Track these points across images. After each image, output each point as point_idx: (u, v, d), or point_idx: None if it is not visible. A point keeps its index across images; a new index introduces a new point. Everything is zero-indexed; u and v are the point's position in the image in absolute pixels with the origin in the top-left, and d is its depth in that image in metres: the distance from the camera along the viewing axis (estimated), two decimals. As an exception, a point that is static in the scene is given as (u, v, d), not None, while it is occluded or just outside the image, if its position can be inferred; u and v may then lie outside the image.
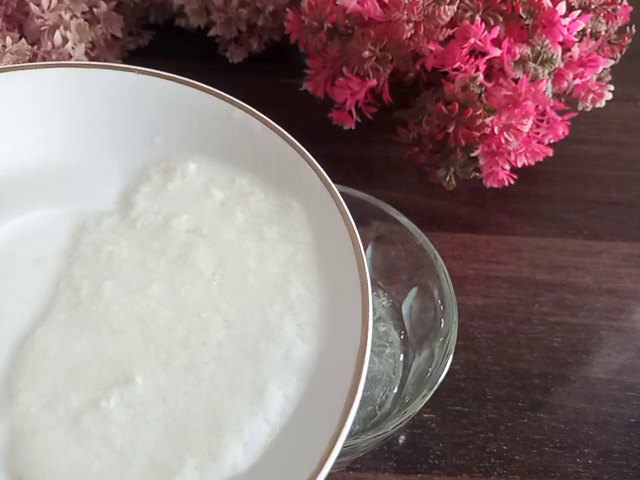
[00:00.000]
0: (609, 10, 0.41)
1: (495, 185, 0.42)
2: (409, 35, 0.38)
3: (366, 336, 0.22)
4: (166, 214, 0.27)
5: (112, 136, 0.29)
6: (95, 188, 0.28)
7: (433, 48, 0.38)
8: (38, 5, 0.41)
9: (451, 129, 0.38)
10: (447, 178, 0.41)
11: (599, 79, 0.43)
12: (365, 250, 0.35)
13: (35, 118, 0.29)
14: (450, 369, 0.28)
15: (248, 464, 0.21)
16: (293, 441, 0.21)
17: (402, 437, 0.32)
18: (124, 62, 0.47)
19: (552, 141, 0.43)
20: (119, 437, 0.21)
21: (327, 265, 0.25)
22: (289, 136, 0.27)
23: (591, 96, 0.43)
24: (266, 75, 0.48)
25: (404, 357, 0.33)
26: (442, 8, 0.37)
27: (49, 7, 0.41)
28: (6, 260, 0.25)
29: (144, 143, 0.29)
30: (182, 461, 0.20)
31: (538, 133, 0.41)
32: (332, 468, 0.30)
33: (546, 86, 0.38)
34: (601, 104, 0.43)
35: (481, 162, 0.40)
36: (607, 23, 0.41)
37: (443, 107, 0.38)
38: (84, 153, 0.29)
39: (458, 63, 0.37)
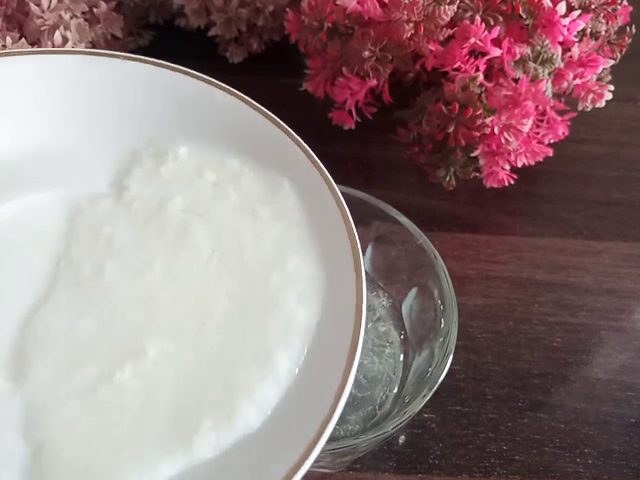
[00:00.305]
0: (609, 10, 0.41)
1: (495, 185, 0.42)
2: (409, 35, 0.38)
3: (361, 298, 0.23)
4: (161, 196, 0.28)
5: (100, 121, 0.30)
6: (87, 172, 0.28)
7: (433, 48, 0.38)
8: (38, 5, 0.41)
9: (451, 129, 0.38)
10: (447, 178, 0.41)
11: (599, 79, 0.43)
12: (365, 250, 0.35)
13: (25, 103, 0.29)
14: (450, 369, 0.28)
15: (260, 422, 0.22)
16: (301, 399, 0.22)
17: (402, 437, 0.32)
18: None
19: (552, 141, 0.43)
20: (136, 404, 0.22)
21: (320, 237, 0.26)
22: (273, 116, 0.28)
23: (591, 96, 0.43)
24: (266, 75, 0.48)
25: (404, 357, 0.33)
26: (442, 8, 0.37)
27: (49, 7, 0.41)
28: (3, 242, 0.26)
29: (131, 127, 0.29)
30: (198, 423, 0.21)
31: (538, 133, 0.41)
32: (332, 468, 0.30)
33: (546, 86, 0.38)
34: (601, 104, 0.43)
35: (481, 162, 0.40)
36: (607, 23, 0.41)
37: (443, 107, 0.38)
38: (74, 138, 0.29)
39: (458, 63, 0.37)
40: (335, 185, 0.26)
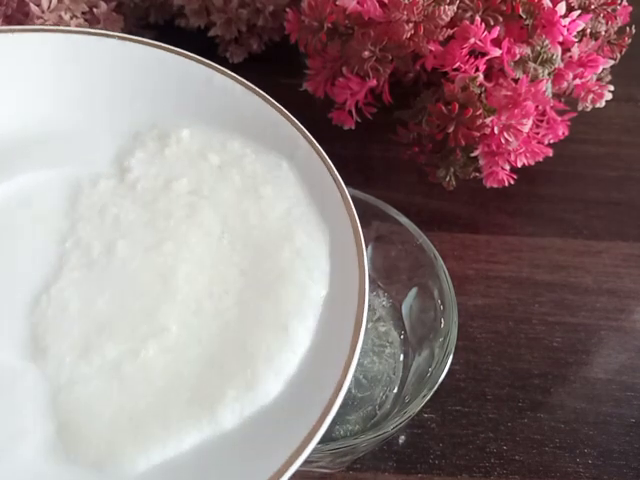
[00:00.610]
0: (609, 10, 0.41)
1: (495, 185, 0.42)
2: (409, 35, 0.38)
3: (364, 272, 0.24)
4: (166, 177, 0.28)
5: (101, 102, 0.30)
6: (87, 152, 0.29)
7: (433, 48, 0.38)
8: (38, 5, 0.41)
9: (451, 129, 0.38)
10: (447, 178, 0.41)
11: (599, 79, 0.43)
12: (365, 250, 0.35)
13: (26, 80, 0.29)
14: (450, 369, 0.28)
15: (279, 390, 0.23)
16: (314, 367, 0.23)
17: (402, 437, 0.32)
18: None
19: (552, 141, 0.43)
20: (161, 378, 0.23)
21: (321, 213, 0.27)
22: (270, 99, 0.29)
23: (591, 96, 0.43)
24: (266, 75, 0.48)
25: (404, 357, 0.33)
26: (442, 8, 0.37)
27: (49, 7, 0.41)
28: (4, 220, 0.26)
29: (132, 109, 0.30)
30: (222, 393, 0.22)
31: (538, 133, 0.41)
32: (332, 468, 0.30)
33: (546, 86, 0.38)
34: (601, 104, 0.43)
35: (481, 162, 0.40)
36: (607, 23, 0.41)
37: (443, 107, 0.38)
38: (74, 118, 0.29)
39: (458, 63, 0.37)
40: (331, 164, 0.27)
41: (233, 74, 0.30)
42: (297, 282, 0.25)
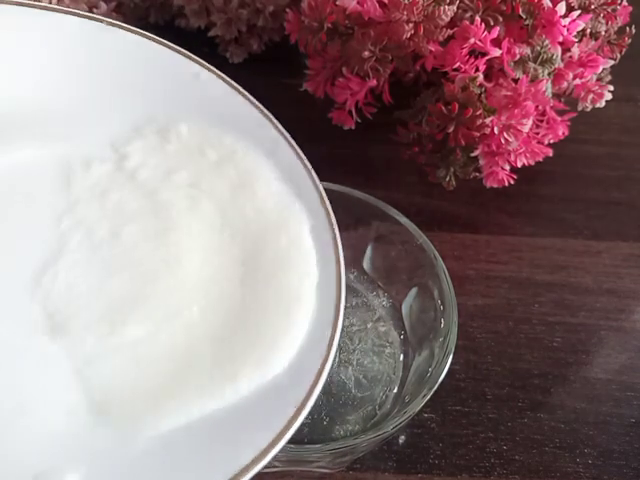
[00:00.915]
0: (609, 10, 0.41)
1: (495, 185, 0.42)
2: (409, 35, 0.38)
3: (337, 247, 0.27)
4: (165, 169, 0.28)
5: (100, 87, 0.30)
6: (84, 134, 0.29)
7: (433, 48, 0.38)
8: (38, 5, 0.41)
9: (451, 129, 0.38)
10: (447, 178, 0.41)
11: (599, 79, 0.43)
12: (365, 250, 0.35)
13: (27, 54, 0.29)
14: (450, 369, 0.28)
15: (283, 369, 0.24)
16: (310, 345, 0.25)
17: (402, 437, 0.32)
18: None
19: (552, 141, 0.43)
20: (182, 355, 0.24)
21: (304, 202, 0.28)
22: (253, 98, 0.30)
23: (591, 96, 0.43)
24: (266, 75, 0.48)
25: (404, 357, 0.33)
26: (442, 8, 0.37)
27: (49, 7, 0.41)
28: None
29: (129, 99, 0.30)
30: (234, 371, 0.24)
31: (538, 133, 0.41)
32: (332, 468, 0.30)
33: (546, 86, 0.38)
34: (601, 104, 0.43)
35: (481, 162, 0.40)
36: (607, 23, 0.41)
37: (443, 107, 0.38)
38: (73, 99, 0.29)
39: (458, 63, 0.37)
40: (310, 166, 0.29)
41: (221, 74, 0.30)
42: (297, 270, 0.26)
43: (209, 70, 0.30)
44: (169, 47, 0.30)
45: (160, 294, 0.25)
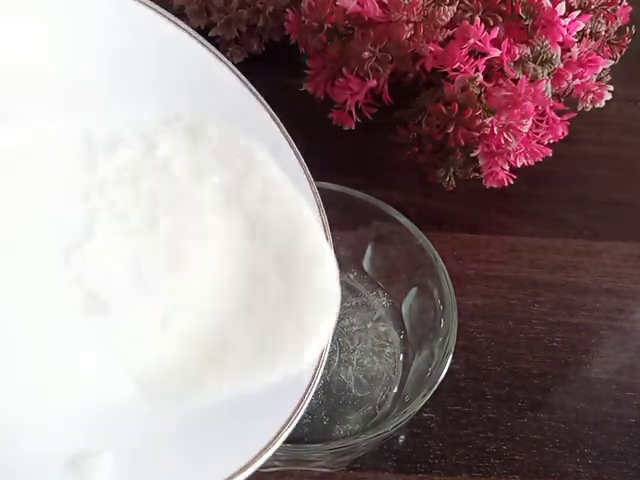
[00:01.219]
0: (609, 10, 0.41)
1: (495, 185, 0.42)
2: (409, 36, 0.38)
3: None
4: (198, 169, 0.28)
5: (125, 69, 0.29)
6: (103, 112, 0.28)
7: (433, 49, 0.38)
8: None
9: (451, 129, 0.38)
10: (447, 178, 0.41)
11: (599, 79, 0.43)
12: (365, 250, 0.35)
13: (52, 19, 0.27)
14: (450, 369, 0.28)
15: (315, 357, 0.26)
16: None
17: (402, 437, 0.32)
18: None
19: (552, 141, 0.43)
20: (221, 341, 0.25)
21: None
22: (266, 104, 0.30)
23: (591, 96, 0.43)
24: (266, 75, 0.48)
25: (404, 357, 0.33)
26: (442, 9, 0.37)
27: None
28: (21, 167, 0.25)
29: (153, 86, 0.29)
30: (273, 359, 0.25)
31: (538, 133, 0.41)
32: (332, 468, 0.30)
33: (546, 86, 0.38)
34: (601, 104, 0.43)
35: (481, 162, 0.40)
36: (607, 23, 0.41)
37: (443, 107, 0.38)
38: (104, 76, 0.28)
39: (458, 63, 0.37)
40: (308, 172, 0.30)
41: (244, 79, 0.30)
42: (326, 264, 0.28)
43: (237, 75, 0.30)
44: (204, 45, 0.30)
45: (201, 285, 0.26)
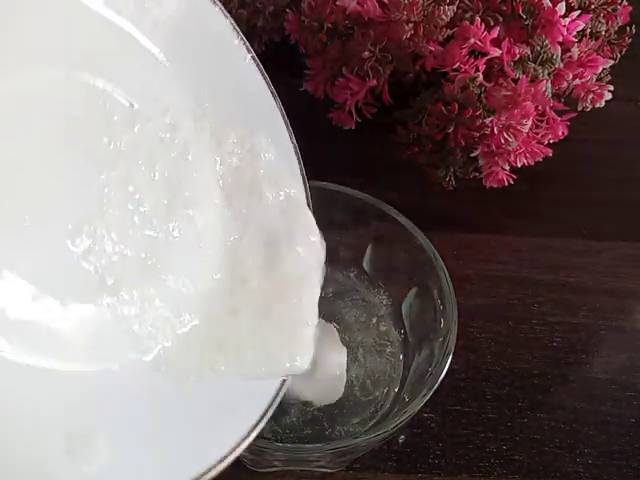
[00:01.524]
0: (609, 10, 0.41)
1: (495, 185, 0.42)
2: (409, 35, 0.38)
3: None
4: (219, 169, 0.29)
5: (168, 49, 0.27)
6: (127, 78, 0.26)
7: (433, 48, 0.38)
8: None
9: (451, 129, 0.38)
10: (447, 178, 0.41)
11: (599, 79, 0.43)
12: (365, 250, 0.35)
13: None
14: (450, 369, 0.28)
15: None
16: None
17: (402, 437, 0.32)
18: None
19: (552, 141, 0.43)
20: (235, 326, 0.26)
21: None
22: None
23: (591, 96, 0.43)
24: (266, 75, 0.48)
25: (404, 357, 0.33)
26: (442, 8, 0.37)
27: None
28: (32, 115, 0.22)
29: (190, 76, 0.28)
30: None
31: (538, 133, 0.41)
32: (332, 468, 0.30)
33: (546, 86, 0.38)
34: (601, 104, 0.43)
35: (481, 162, 0.40)
36: (607, 23, 0.41)
37: (443, 107, 0.38)
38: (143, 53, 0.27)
39: (458, 63, 0.37)
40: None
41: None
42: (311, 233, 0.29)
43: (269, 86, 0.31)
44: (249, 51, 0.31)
45: (218, 285, 0.27)
